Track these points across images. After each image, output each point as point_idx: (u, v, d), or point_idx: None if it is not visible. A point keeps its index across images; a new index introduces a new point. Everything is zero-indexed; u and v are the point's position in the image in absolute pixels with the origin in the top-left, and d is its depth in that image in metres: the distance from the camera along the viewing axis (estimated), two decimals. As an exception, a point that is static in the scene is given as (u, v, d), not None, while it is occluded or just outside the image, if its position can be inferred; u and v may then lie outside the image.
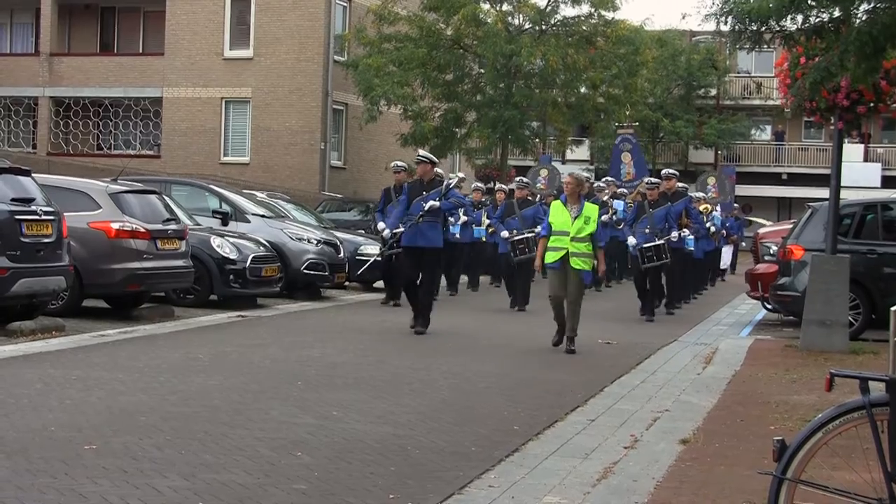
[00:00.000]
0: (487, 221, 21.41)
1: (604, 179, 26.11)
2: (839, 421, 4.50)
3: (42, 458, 6.57)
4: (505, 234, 19.01)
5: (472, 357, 12.12)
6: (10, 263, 12.44)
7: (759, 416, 9.05)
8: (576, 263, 12.82)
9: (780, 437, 4.59)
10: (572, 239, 12.82)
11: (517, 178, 20.46)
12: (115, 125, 39.17)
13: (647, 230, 17.59)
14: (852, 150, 46.88)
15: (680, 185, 19.65)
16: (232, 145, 36.67)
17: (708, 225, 23.59)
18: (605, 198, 22.75)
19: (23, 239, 12.63)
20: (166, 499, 5.81)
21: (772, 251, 18.53)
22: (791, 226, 18.09)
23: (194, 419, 7.91)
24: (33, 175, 13.69)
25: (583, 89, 35.42)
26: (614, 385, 10.60)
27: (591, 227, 12.96)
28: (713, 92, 53.19)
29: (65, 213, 13.45)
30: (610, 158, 35.09)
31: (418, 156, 14.93)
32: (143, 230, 14.52)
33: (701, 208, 22.56)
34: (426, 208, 13.99)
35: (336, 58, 35.37)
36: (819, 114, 13.85)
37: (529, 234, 18.02)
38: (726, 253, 31.15)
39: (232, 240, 17.06)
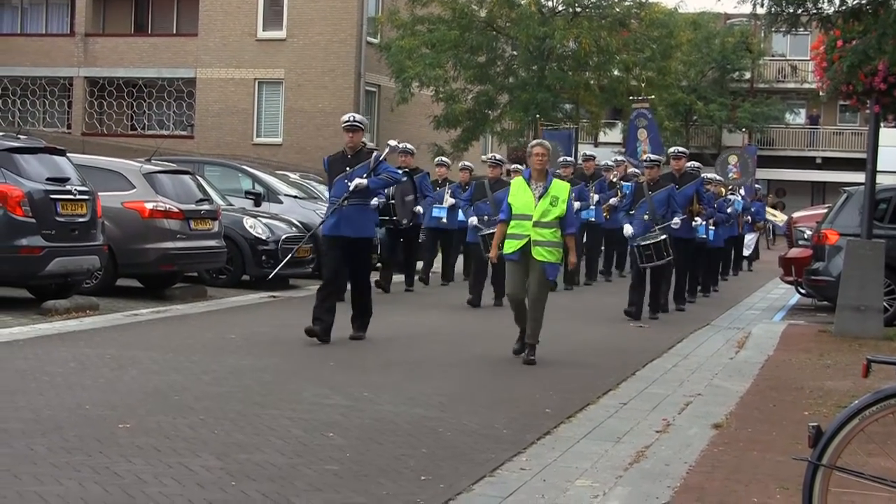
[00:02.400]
0: (451, 201, 18.29)
1: (614, 158, 24.28)
2: (876, 407, 4.46)
3: (76, 436, 6.62)
4: (474, 220, 15.84)
5: (503, 340, 12.08)
6: (45, 242, 12.54)
7: (793, 402, 9.00)
8: (539, 254, 10.47)
9: (815, 423, 4.55)
10: (535, 224, 10.47)
11: (489, 155, 17.42)
12: (148, 105, 39.32)
13: (645, 216, 14.79)
14: (888, 134, 46.40)
15: (692, 164, 17.62)
16: (265, 126, 36.74)
17: (729, 210, 21.39)
18: (614, 178, 20.50)
19: (58, 218, 12.73)
20: (199, 478, 5.84)
21: (806, 235, 18.40)
22: (825, 210, 17.96)
23: (227, 399, 7.95)
24: (68, 155, 13.79)
25: (616, 72, 35.25)
26: (646, 369, 10.57)
27: (559, 210, 10.53)
28: (747, 75, 52.82)
29: (99, 193, 13.53)
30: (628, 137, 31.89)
31: (351, 121, 11.55)
32: (176, 210, 14.59)
33: (715, 191, 19.72)
34: (352, 188, 11.31)
35: (369, 39, 35.34)
36: (855, 97, 13.73)
37: None
38: (751, 239, 28.69)
39: (264, 220, 17.11)
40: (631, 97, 32.68)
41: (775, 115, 52.17)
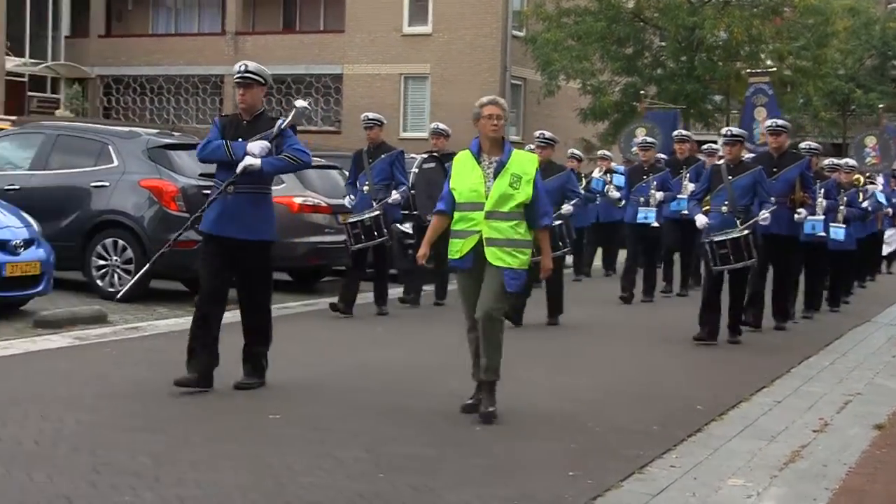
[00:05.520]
0: None
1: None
2: None
3: (229, 425, 6.72)
4: None
5: (653, 335, 11.91)
6: (199, 237, 12.79)
7: (959, 402, 8.63)
8: (495, 257, 7.23)
9: None
10: (489, 215, 7.29)
11: (537, 133, 13.83)
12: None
13: (723, 207, 11.39)
14: None
15: (809, 145, 14.21)
16: (411, 121, 37.00)
17: (865, 204, 16.31)
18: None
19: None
20: (348, 469, 5.85)
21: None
22: None
23: (374, 391, 7.98)
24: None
25: (768, 61, 34.43)
26: (802, 366, 10.25)
27: (524, 194, 7.29)
28: (911, 62, 50.96)
29: (249, 188, 13.74)
30: (742, 115, 26.55)
31: (242, 71, 8.15)
32: (324, 205, 14.77)
33: (847, 180, 15.56)
34: (239, 169, 7.86)
35: (514, 33, 35.28)
36: None
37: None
38: (890, 235, 22.46)
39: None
40: (748, 70, 30.17)
41: (941, 102, 50.26)
